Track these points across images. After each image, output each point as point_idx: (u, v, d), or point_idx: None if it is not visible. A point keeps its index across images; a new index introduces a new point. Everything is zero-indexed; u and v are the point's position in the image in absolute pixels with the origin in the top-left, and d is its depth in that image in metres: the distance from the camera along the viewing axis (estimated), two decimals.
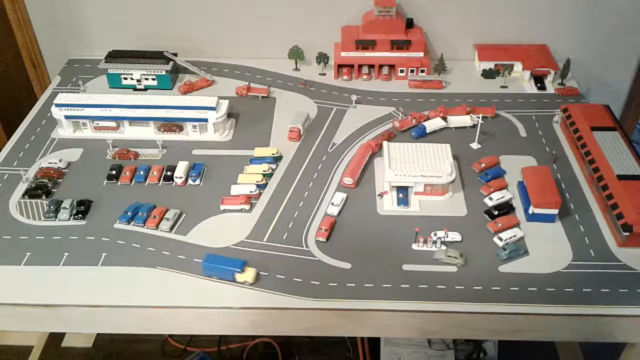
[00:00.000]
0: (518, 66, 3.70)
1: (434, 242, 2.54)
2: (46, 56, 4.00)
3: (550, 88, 3.61)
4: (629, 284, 2.40)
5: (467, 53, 3.84)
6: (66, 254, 2.53)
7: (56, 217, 2.70)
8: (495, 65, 3.71)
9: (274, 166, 2.99)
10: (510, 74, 3.65)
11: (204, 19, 3.78)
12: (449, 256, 2.47)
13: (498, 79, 3.69)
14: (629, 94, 4.05)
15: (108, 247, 2.56)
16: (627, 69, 3.94)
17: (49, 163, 2.99)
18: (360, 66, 3.70)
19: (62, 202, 2.75)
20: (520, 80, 3.69)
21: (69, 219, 2.69)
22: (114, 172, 2.94)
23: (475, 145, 3.15)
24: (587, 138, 2.98)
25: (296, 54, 3.73)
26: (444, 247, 2.52)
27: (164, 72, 3.56)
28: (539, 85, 3.62)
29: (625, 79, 3.99)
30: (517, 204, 2.78)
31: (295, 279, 2.42)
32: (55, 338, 3.64)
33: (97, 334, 3.97)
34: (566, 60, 3.62)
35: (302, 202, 2.80)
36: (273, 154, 3.05)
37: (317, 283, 2.40)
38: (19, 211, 2.75)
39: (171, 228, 2.64)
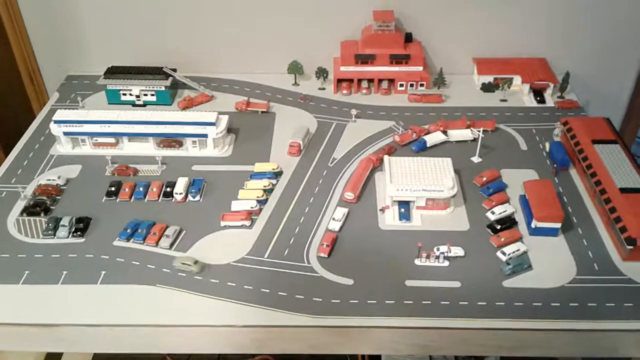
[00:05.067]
0: (517, 80, 3.70)
1: (437, 257, 2.52)
2: (44, 72, 4.00)
3: (550, 101, 3.61)
4: (633, 298, 2.38)
5: (466, 67, 3.85)
6: (65, 272, 2.50)
7: (55, 235, 2.67)
8: (495, 78, 3.71)
9: (274, 181, 2.98)
10: (509, 87, 3.64)
11: (202, 35, 3.78)
12: (183, 264, 2.48)
13: (497, 93, 3.69)
14: (628, 106, 4.05)
15: (107, 265, 2.53)
16: (626, 81, 3.95)
17: (48, 180, 2.97)
18: (359, 80, 3.70)
19: (60, 219, 2.72)
20: (520, 93, 3.69)
21: (67, 237, 2.67)
22: (113, 189, 2.92)
23: (476, 159, 3.14)
24: (589, 151, 2.97)
25: (295, 69, 3.73)
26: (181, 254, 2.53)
27: (163, 88, 3.55)
28: (538, 98, 3.62)
29: (625, 92, 3.99)
30: (520, 217, 2.76)
31: (297, 296, 2.39)
32: (53, 359, 3.59)
33: (94, 354, 3.92)
34: (565, 74, 3.63)
35: (303, 218, 2.78)
36: (273, 169, 3.03)
37: (320, 300, 2.38)
38: (17, 229, 2.73)
39: (171, 245, 2.62)
